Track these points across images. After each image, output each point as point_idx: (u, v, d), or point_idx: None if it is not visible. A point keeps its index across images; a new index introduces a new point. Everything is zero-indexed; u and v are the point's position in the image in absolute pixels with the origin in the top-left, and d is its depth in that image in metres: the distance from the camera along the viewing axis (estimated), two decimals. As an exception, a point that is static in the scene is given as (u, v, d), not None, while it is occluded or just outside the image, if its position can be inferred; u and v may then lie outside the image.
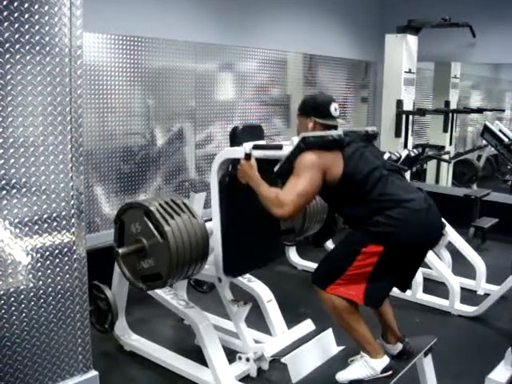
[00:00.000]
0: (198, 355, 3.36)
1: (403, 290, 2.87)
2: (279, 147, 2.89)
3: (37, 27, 2.49)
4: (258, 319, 3.67)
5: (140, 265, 3.08)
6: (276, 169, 2.77)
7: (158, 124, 5.05)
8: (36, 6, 2.47)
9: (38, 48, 2.50)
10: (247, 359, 3.31)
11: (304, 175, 2.62)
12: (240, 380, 3.25)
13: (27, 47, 2.47)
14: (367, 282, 2.59)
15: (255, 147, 2.94)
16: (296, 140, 2.73)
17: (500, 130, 7.08)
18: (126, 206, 3.14)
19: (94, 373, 2.93)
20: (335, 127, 2.80)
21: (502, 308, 4.32)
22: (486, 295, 4.47)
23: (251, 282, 3.76)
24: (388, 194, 2.61)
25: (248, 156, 2.85)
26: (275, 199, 2.63)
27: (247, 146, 2.90)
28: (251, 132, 3.35)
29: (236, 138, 3.20)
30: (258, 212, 2.78)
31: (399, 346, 2.84)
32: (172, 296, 3.52)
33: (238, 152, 2.97)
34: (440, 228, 2.80)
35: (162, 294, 3.53)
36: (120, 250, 3.04)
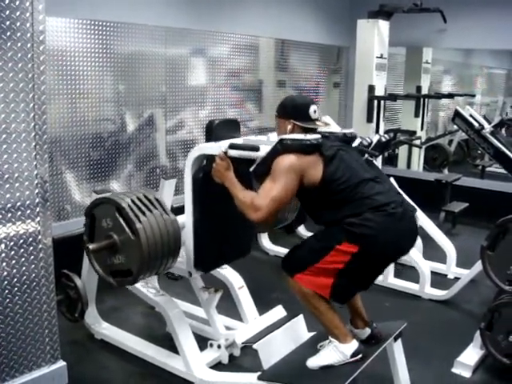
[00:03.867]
0: (169, 343, 3.35)
1: (365, 289, 2.83)
2: (256, 148, 2.80)
3: (-4, 11, 2.42)
4: (229, 306, 3.67)
5: (111, 260, 3.01)
6: (252, 169, 2.73)
7: (128, 110, 4.97)
8: (-5, -10, 2.40)
9: (-2, 33, 2.44)
10: (218, 346, 3.30)
11: (280, 180, 2.58)
12: (211, 367, 3.25)
13: (-14, 32, 2.40)
14: (336, 277, 2.59)
15: (231, 147, 2.86)
16: (272, 138, 2.68)
17: (471, 115, 7.12)
18: (97, 201, 3.05)
19: (62, 363, 2.91)
20: (314, 130, 2.77)
21: (472, 292, 4.38)
22: (456, 279, 4.51)
23: (222, 269, 3.74)
24: (367, 198, 2.58)
25: (224, 155, 2.81)
26: (250, 203, 2.61)
27: (223, 145, 2.83)
28: (227, 126, 3.28)
29: (212, 133, 3.13)
30: (231, 207, 2.74)
31: (367, 331, 2.86)
32: (142, 284, 3.48)
33: (214, 149, 2.91)
34: (413, 234, 2.71)
35: (133, 282, 3.50)
36: (91, 246, 2.94)
